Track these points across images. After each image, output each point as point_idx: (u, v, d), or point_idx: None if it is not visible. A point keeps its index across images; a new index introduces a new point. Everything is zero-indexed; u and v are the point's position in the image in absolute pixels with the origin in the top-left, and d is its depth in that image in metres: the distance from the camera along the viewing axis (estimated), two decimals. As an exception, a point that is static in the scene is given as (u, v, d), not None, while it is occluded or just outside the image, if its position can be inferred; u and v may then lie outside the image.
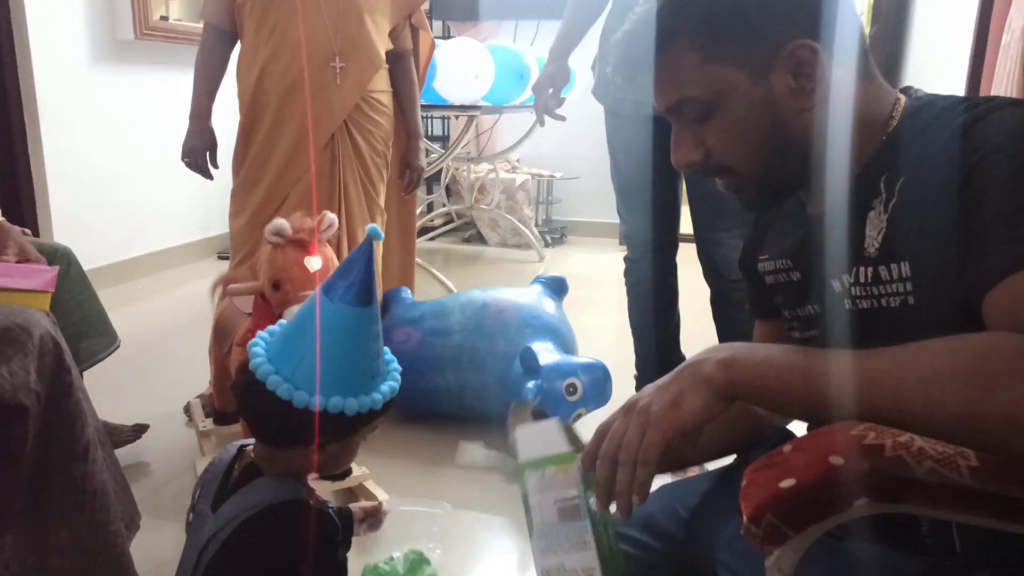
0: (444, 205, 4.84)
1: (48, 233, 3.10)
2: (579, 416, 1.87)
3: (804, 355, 0.68)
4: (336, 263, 1.54)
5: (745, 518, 0.63)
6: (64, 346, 1.19)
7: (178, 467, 1.87)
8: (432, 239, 4.88)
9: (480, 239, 4.92)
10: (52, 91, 3.09)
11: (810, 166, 0.78)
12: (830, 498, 0.59)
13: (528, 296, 2.15)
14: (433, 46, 2.47)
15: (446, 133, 5.24)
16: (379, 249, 2.21)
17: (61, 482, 1.25)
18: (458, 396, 2.05)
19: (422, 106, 2.37)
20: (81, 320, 1.62)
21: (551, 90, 1.88)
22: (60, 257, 1.52)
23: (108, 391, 1.93)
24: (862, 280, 0.75)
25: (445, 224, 5.03)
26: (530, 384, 1.80)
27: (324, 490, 1.68)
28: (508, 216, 4.57)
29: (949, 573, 0.73)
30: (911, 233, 0.70)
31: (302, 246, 1.46)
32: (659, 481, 0.76)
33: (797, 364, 0.67)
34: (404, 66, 2.20)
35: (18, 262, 1.23)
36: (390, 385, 0.93)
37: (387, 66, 2.11)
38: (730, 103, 0.75)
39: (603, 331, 2.75)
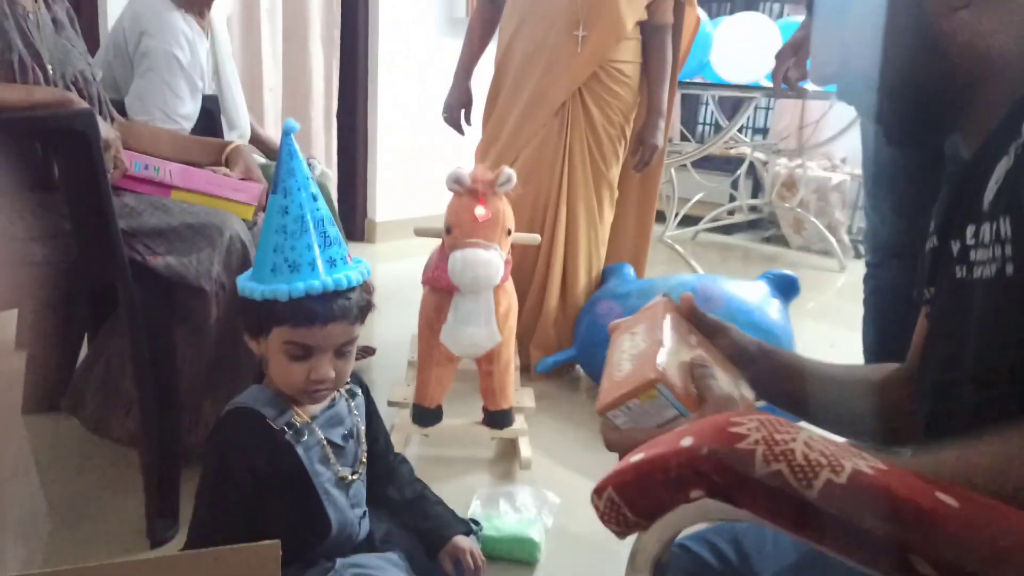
0: (749, 197, 4.56)
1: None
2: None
3: None
4: (509, 216, 1.58)
5: (594, 487, 0.54)
6: (253, 249, 1.42)
7: (391, 377, 2.06)
8: (729, 233, 4.65)
9: (782, 240, 4.56)
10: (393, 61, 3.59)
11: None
12: (664, 480, 0.49)
13: (748, 291, 1.96)
14: (698, 23, 2.35)
15: (767, 125, 4.94)
16: (604, 226, 2.20)
17: (248, 363, 1.50)
18: (649, 380, 1.96)
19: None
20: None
21: (794, 59, 1.67)
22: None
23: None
24: (969, 242, 0.59)
25: (734, 216, 4.72)
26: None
27: (481, 436, 1.74)
28: (813, 219, 4.16)
29: None
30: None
31: (476, 196, 1.54)
32: None
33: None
34: (659, 40, 2.11)
35: (241, 179, 1.47)
36: (308, 284, 0.89)
37: (639, 38, 2.08)
38: None
39: (833, 345, 2.47)
